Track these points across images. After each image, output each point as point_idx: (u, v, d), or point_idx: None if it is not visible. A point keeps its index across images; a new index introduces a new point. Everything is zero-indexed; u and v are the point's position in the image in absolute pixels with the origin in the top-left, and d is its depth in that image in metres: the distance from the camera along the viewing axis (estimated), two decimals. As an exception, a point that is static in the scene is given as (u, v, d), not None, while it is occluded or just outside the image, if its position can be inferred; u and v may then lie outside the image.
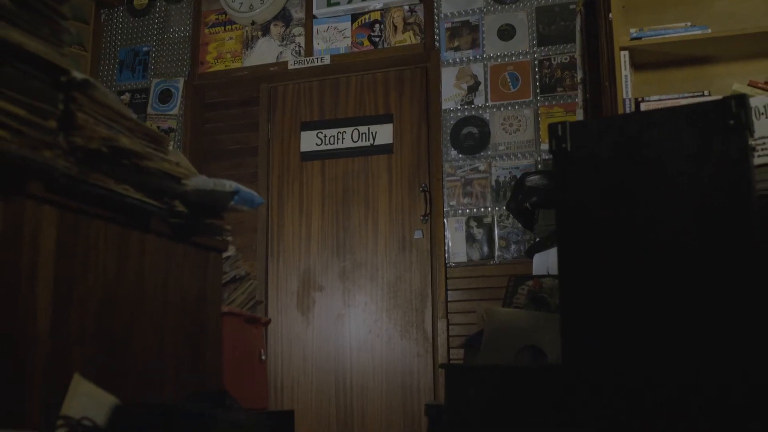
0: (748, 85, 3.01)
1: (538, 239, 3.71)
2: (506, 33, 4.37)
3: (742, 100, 1.96)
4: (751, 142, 2.03)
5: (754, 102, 2.45)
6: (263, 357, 2.73)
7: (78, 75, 1.62)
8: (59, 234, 1.61)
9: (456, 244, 4.25)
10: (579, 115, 3.49)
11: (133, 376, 1.84)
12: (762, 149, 2.47)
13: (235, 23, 4.91)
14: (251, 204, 2.21)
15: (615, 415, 1.87)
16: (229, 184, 2.05)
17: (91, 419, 1.51)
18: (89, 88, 1.67)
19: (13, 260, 1.48)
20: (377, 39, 4.61)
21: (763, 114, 2.54)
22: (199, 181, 2.01)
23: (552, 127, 2.19)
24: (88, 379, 1.62)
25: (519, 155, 4.23)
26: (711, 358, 1.80)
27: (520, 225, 3.99)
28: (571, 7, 4.27)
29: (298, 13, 4.79)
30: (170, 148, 2.02)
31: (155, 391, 1.93)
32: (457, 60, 4.43)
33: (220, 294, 2.32)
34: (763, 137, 2.48)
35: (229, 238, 2.35)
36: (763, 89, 3.00)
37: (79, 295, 1.66)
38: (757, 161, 2.24)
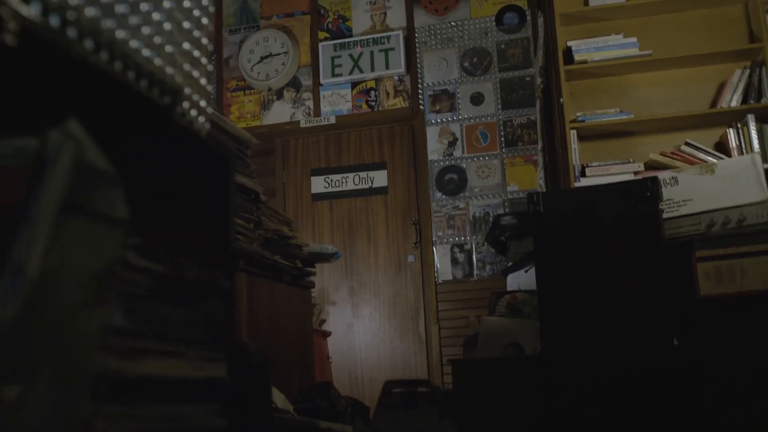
0: (660, 154, 4.19)
1: (510, 263, 4.83)
2: (477, 99, 5.51)
3: (654, 180, 3.12)
4: (661, 206, 3.19)
5: (662, 176, 3.61)
6: (330, 359, 3.82)
7: (261, 193, 2.69)
8: (248, 289, 2.68)
9: (443, 266, 5.37)
10: (539, 172, 4.64)
11: (279, 373, 2.91)
12: (668, 207, 3.62)
13: (253, 88, 5.94)
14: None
15: (577, 389, 2.99)
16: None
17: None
18: (266, 201, 2.74)
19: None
20: (373, 103, 5.70)
21: (668, 183, 3.69)
22: (313, 247, 3.09)
23: (529, 196, 3.32)
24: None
25: (490, 196, 5.37)
26: (640, 348, 2.91)
27: (494, 251, 5.10)
28: (527, 79, 5.42)
29: (306, 81, 5.85)
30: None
31: (288, 384, 2.99)
32: (439, 120, 5.55)
33: (311, 318, 3.39)
34: (669, 199, 3.64)
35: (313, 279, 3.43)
36: (670, 157, 4.18)
37: (256, 322, 2.73)
38: (665, 215, 3.39)
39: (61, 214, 0.93)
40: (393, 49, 5.65)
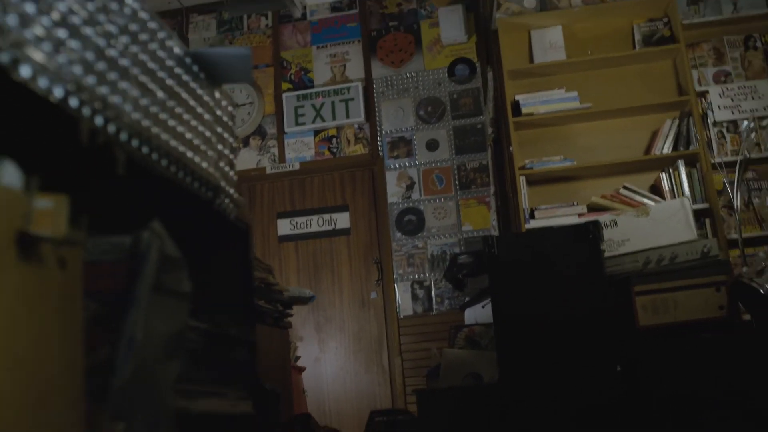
0: (601, 197, 4.59)
1: (467, 299, 5.17)
2: (432, 145, 5.88)
3: (596, 223, 3.50)
4: (602, 246, 3.56)
5: (603, 218, 4.00)
6: (306, 392, 4.10)
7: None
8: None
9: (404, 302, 5.70)
10: (492, 214, 5.02)
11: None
12: (609, 247, 4.00)
13: (220, 136, 6.21)
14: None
15: (532, 414, 3.33)
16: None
17: None
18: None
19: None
20: (335, 149, 6.04)
21: (609, 225, 4.08)
22: (292, 291, 3.39)
23: (484, 239, 3.67)
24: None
25: (446, 235, 5.72)
26: (588, 375, 3.26)
27: (452, 288, 5.44)
28: (478, 126, 5.82)
29: (271, 129, 6.17)
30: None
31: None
32: (397, 165, 5.91)
33: (290, 355, 3.69)
34: (609, 239, 4.02)
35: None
36: (609, 199, 4.59)
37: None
38: (607, 255, 3.77)
39: (151, 293, 1.26)
40: (353, 99, 6.01)
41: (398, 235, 5.81)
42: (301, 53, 6.25)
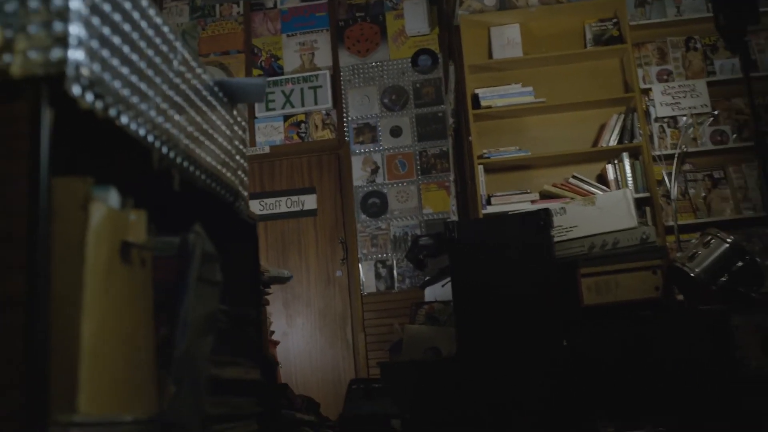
0: (552, 185, 4.96)
1: (427, 278, 5.52)
2: (396, 132, 6.20)
3: (547, 211, 3.85)
4: (552, 232, 3.93)
5: (553, 206, 4.36)
6: (279, 365, 4.42)
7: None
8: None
9: (368, 280, 6.03)
10: (452, 199, 5.36)
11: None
12: (558, 233, 4.37)
13: (192, 120, 6.46)
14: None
15: (487, 384, 3.69)
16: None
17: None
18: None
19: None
20: (303, 134, 6.32)
21: (558, 213, 4.44)
22: (273, 272, 3.70)
23: (446, 224, 4.02)
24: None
25: (408, 217, 6.06)
26: (537, 348, 3.63)
27: (413, 267, 5.79)
28: (439, 114, 6.15)
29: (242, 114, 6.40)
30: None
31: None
32: (363, 151, 6.22)
33: (268, 330, 4.00)
34: (558, 226, 4.39)
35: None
36: (559, 188, 4.96)
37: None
38: (556, 239, 4.14)
39: (196, 282, 1.58)
40: (321, 86, 6.29)
41: (363, 216, 6.13)
42: (271, 41, 6.51)
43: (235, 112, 1.91)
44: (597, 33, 5.21)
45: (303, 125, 6.34)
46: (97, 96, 1.13)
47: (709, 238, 3.94)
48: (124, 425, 1.20)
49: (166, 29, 1.45)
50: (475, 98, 5.10)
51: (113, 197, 1.23)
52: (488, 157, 5.01)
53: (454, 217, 5.64)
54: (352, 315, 6.08)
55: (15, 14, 1.09)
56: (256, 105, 6.35)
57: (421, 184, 6.09)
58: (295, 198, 6.32)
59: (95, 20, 1.14)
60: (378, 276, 6.03)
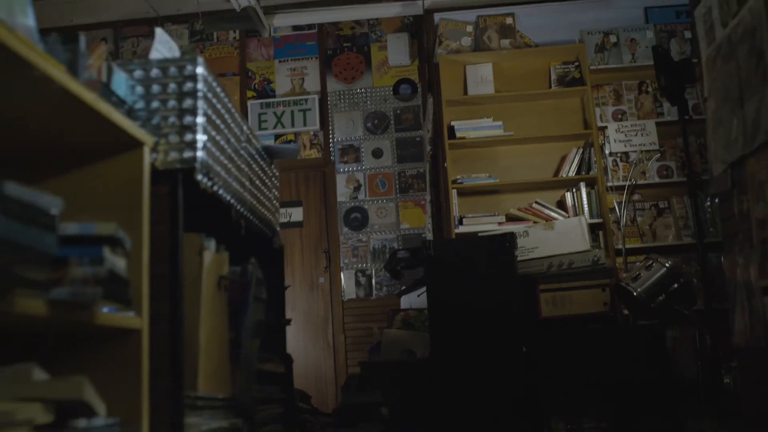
0: (517, 209, 5.54)
1: (404, 287, 6.08)
2: (377, 153, 6.76)
3: (512, 234, 4.42)
4: (516, 252, 4.51)
5: (517, 228, 4.94)
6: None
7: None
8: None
9: (348, 287, 6.58)
10: (428, 219, 5.93)
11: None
12: (521, 253, 4.94)
13: (190, 135, 6.97)
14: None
15: (456, 384, 4.26)
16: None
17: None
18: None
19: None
20: (292, 152, 6.85)
21: (522, 235, 5.02)
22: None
23: (423, 242, 4.59)
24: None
25: (386, 232, 6.62)
26: (500, 354, 4.20)
27: (390, 277, 6.34)
28: (417, 139, 6.72)
29: (236, 132, 6.93)
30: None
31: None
32: (347, 170, 6.77)
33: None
34: (521, 246, 4.96)
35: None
36: (524, 211, 5.54)
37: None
38: (519, 259, 4.72)
39: (252, 300, 2.13)
40: (309, 109, 6.84)
41: (345, 229, 6.68)
42: (264, 65, 7.04)
43: (273, 166, 2.46)
44: (560, 74, 5.81)
45: (292, 144, 6.86)
46: (209, 179, 1.67)
47: (651, 262, 4.53)
48: (218, 401, 1.74)
49: (237, 116, 2.00)
50: (451, 129, 5.67)
51: (212, 244, 1.77)
52: (461, 182, 5.58)
53: (429, 233, 6.20)
54: (333, 318, 6.62)
55: (159, 126, 1.63)
56: (250, 124, 6.87)
57: (399, 201, 6.65)
58: (283, 210, 6.84)
59: (210, 128, 1.68)
60: (358, 284, 6.58)
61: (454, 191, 5.56)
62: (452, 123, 5.71)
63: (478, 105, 5.84)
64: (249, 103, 6.93)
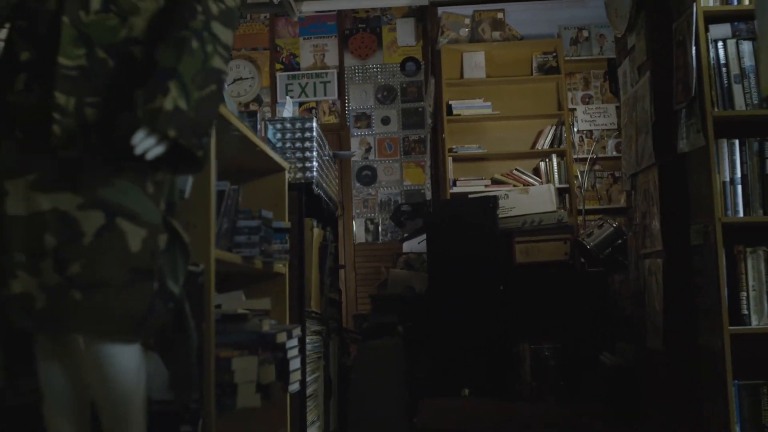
0: (501, 174, 6.74)
1: (406, 235, 7.30)
2: (386, 121, 7.91)
3: (495, 197, 5.64)
4: (498, 212, 5.74)
5: (500, 191, 6.13)
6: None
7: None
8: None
9: (359, 233, 7.80)
10: (427, 180, 7.12)
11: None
12: (502, 212, 6.12)
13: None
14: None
15: (448, 312, 5.49)
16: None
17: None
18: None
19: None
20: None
21: (503, 197, 6.21)
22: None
23: (425, 201, 5.82)
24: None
25: (392, 187, 7.82)
26: (483, 289, 5.42)
27: (394, 225, 7.56)
28: (419, 110, 7.86)
29: (266, 99, 8.05)
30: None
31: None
32: (359, 134, 7.92)
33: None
34: (503, 206, 6.16)
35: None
36: (506, 176, 6.73)
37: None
38: (500, 216, 5.93)
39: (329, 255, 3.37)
40: (329, 81, 7.96)
41: (357, 184, 7.86)
42: (291, 42, 8.11)
43: (334, 165, 3.65)
44: (540, 63, 6.94)
45: (314, 111, 8.00)
46: (318, 188, 2.86)
47: (602, 222, 5.71)
48: (317, 314, 2.96)
49: (325, 142, 3.18)
50: (449, 107, 6.82)
51: (315, 223, 2.99)
52: (456, 151, 6.75)
53: (428, 191, 7.39)
54: (346, 259, 7.85)
55: (291, 158, 2.82)
56: (278, 93, 8.00)
57: (403, 162, 7.82)
58: (304, 166, 8.01)
59: (318, 158, 2.87)
60: (367, 230, 7.79)
61: (450, 158, 6.73)
62: (450, 102, 6.85)
63: (471, 87, 6.96)
64: (278, 74, 8.03)
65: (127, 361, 1.67)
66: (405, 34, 7.91)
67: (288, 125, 2.80)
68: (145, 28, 1.73)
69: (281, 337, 2.21)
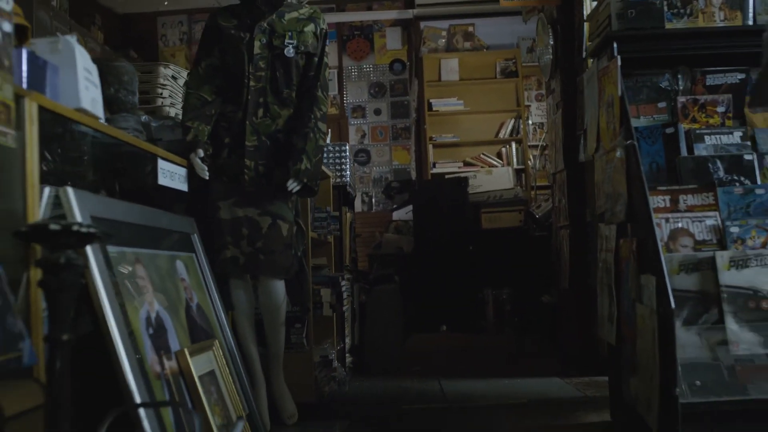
0: (471, 158, 8.32)
1: (395, 206, 8.90)
2: (377, 112, 9.44)
3: (466, 178, 7.26)
4: (468, 189, 7.36)
5: (470, 172, 7.73)
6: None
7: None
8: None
9: (357, 204, 9.37)
10: (412, 162, 8.71)
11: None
12: (472, 189, 7.73)
13: (244, 94, 9.59)
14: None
15: (431, 268, 7.11)
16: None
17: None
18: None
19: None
20: (318, 109, 9.51)
21: (473, 177, 7.81)
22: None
23: (411, 180, 7.42)
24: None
25: (383, 167, 9.38)
26: (455, 250, 7.05)
27: (385, 198, 9.15)
28: (405, 103, 9.40)
29: (278, 93, 9.55)
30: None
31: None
32: (356, 123, 9.44)
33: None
34: (472, 184, 7.77)
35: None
36: (475, 159, 8.31)
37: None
38: (470, 192, 7.54)
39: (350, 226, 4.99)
40: (331, 79, 9.45)
41: (354, 164, 9.41)
42: (298, 45, 9.57)
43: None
44: (503, 68, 8.50)
45: (318, 103, 9.49)
46: (350, 187, 4.44)
47: (548, 197, 7.33)
48: (347, 268, 4.56)
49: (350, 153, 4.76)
50: (430, 104, 8.36)
51: (347, 209, 4.58)
52: (435, 140, 8.32)
53: (413, 171, 8.97)
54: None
55: (333, 169, 4.40)
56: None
57: (392, 146, 9.37)
58: (310, 149, 9.53)
59: (349, 167, 4.45)
60: (363, 201, 9.36)
61: (431, 145, 8.31)
62: (430, 100, 8.40)
63: (447, 87, 8.51)
64: (287, 73, 9.50)
65: (281, 288, 3.29)
66: (393, 40, 9.41)
67: (330, 149, 4.38)
68: (284, 125, 3.29)
69: (338, 279, 3.80)
